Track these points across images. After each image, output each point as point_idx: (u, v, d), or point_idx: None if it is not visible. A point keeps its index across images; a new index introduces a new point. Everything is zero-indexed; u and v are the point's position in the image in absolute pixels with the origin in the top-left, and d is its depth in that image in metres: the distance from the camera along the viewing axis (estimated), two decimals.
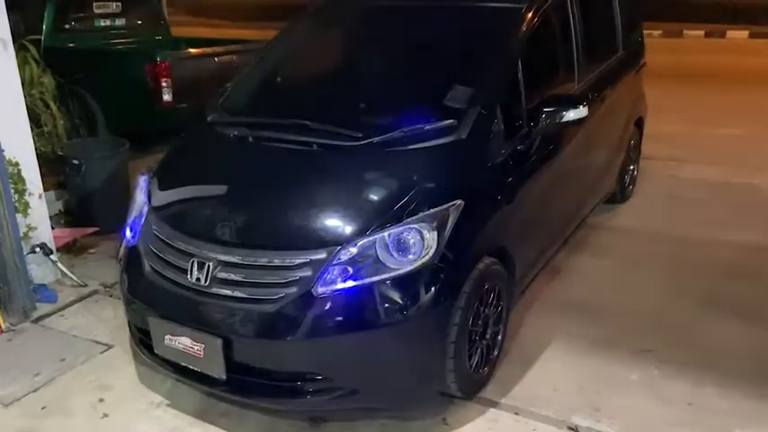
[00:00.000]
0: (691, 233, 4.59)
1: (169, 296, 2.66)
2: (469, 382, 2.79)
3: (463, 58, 3.17)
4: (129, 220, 3.00)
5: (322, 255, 2.46)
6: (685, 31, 15.25)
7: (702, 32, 15.12)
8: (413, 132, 2.79)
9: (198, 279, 2.57)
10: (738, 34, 14.91)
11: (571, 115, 3.09)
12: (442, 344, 2.56)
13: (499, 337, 3.01)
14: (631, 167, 5.19)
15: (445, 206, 2.57)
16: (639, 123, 5.21)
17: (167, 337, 2.63)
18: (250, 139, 3.00)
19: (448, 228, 2.54)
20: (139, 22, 7.56)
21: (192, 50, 6.72)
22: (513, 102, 3.06)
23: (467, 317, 2.64)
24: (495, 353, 2.99)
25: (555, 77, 3.47)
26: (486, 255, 2.76)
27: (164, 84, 6.15)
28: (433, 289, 2.48)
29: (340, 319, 2.44)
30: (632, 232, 4.67)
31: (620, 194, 5.05)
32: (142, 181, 3.08)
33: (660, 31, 14.52)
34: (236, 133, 3.09)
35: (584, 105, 3.09)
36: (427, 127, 2.81)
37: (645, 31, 5.36)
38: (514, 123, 3.03)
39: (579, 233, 4.43)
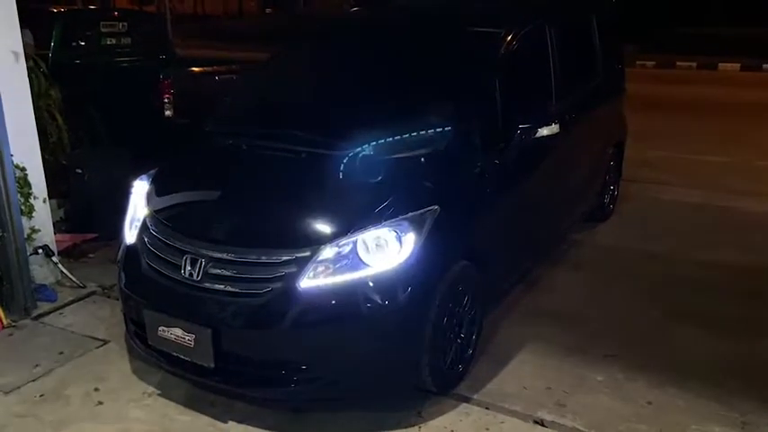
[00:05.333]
0: (666, 251, 4.80)
1: (163, 290, 2.86)
2: (444, 378, 2.97)
3: (445, 77, 3.42)
4: (128, 221, 3.20)
5: (306, 253, 2.66)
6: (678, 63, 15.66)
7: (695, 64, 15.50)
8: (394, 143, 3.01)
9: (190, 274, 2.77)
10: (730, 66, 15.28)
11: (544, 132, 3.32)
12: (418, 339, 2.75)
13: (474, 337, 3.19)
14: (611, 188, 5.41)
15: (422, 211, 2.78)
16: (620, 146, 5.44)
17: (161, 328, 2.82)
18: (244, 147, 3.23)
19: (424, 231, 2.74)
20: (144, 41, 7.83)
21: (194, 69, 6.97)
22: (490, 118, 3.28)
23: (441, 315, 2.84)
24: (470, 352, 3.17)
25: (532, 98, 3.70)
26: (460, 258, 2.97)
27: (166, 100, 6.39)
28: (408, 287, 2.68)
29: (322, 312, 2.63)
30: (610, 249, 4.87)
31: (600, 213, 5.26)
32: (140, 185, 3.29)
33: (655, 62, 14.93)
34: (231, 142, 3.31)
35: (555, 123, 3.32)
36: (408, 138, 3.03)
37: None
38: (491, 138, 3.25)
39: (559, 248, 4.65)
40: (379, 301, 2.64)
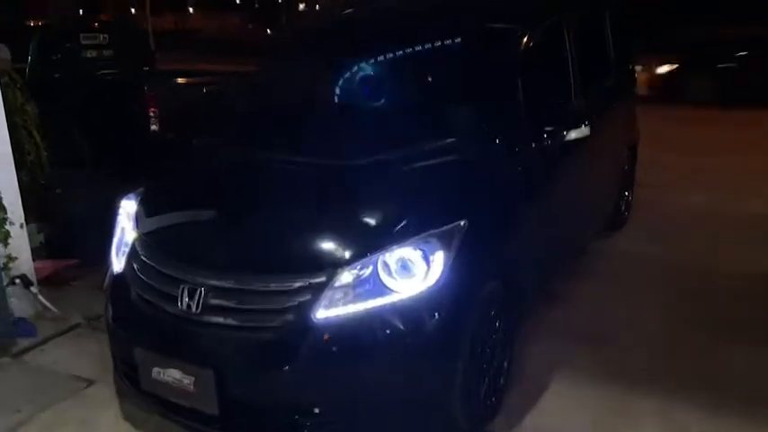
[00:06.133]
0: (689, 259, 4.52)
1: (157, 326, 2.51)
2: (477, 415, 2.65)
3: (463, 78, 3.10)
4: (114, 247, 2.86)
5: (321, 278, 2.33)
6: None
7: None
8: (413, 151, 2.70)
9: (189, 307, 2.42)
10: None
11: (573, 135, 3.02)
12: (450, 373, 2.42)
13: (505, 364, 2.88)
14: (626, 193, 5.14)
15: (450, 226, 2.46)
16: (633, 149, 5.17)
17: (155, 369, 2.46)
18: (243, 160, 2.89)
19: (453, 248, 2.42)
20: (127, 53, 7.51)
21: (179, 80, 6.66)
22: (513, 121, 2.98)
23: (475, 344, 2.52)
24: (502, 381, 2.85)
25: (553, 99, 3.41)
26: (491, 278, 2.65)
27: (151, 114, 6.09)
28: (439, 314, 2.35)
29: (342, 347, 2.30)
30: (630, 258, 4.57)
31: (615, 220, 4.97)
32: (127, 206, 2.95)
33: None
34: (228, 155, 2.98)
35: (585, 125, 3.02)
36: (426, 146, 2.72)
37: None
38: (515, 143, 2.95)
39: (578, 260, 4.35)
40: (407, 332, 2.31)
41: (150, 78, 6.78)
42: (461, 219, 2.49)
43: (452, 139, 2.73)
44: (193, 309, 2.41)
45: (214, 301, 2.40)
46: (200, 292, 2.41)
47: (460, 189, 2.66)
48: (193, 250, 2.57)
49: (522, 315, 3.12)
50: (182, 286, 2.45)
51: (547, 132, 2.98)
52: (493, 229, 2.70)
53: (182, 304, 2.44)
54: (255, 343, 2.35)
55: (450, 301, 2.38)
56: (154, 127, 6.06)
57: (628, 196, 5.19)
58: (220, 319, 2.39)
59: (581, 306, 3.83)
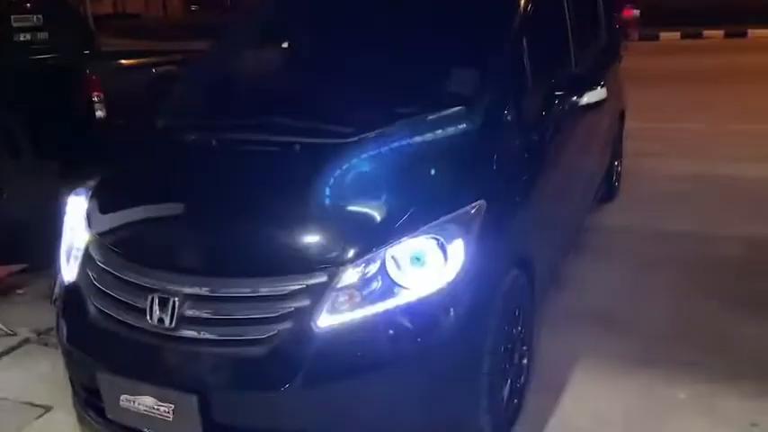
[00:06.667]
0: (687, 229, 4.30)
1: (123, 345, 2.08)
2: (502, 420, 2.31)
3: (464, 37, 2.70)
4: (63, 252, 2.40)
5: (321, 278, 1.94)
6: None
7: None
8: (415, 123, 2.31)
9: (161, 320, 2.01)
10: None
11: (586, 99, 2.68)
12: (476, 379, 2.07)
13: (525, 361, 2.55)
14: (616, 163, 4.88)
15: (467, 208, 2.09)
16: (622, 116, 4.90)
17: (123, 397, 2.05)
18: (214, 142, 2.46)
19: (472, 235, 2.06)
20: (64, 35, 6.86)
21: (124, 62, 6.09)
22: (522, 86, 2.62)
23: (498, 343, 2.17)
24: (522, 379, 2.53)
25: (555, 61, 3.06)
26: (511, 266, 2.30)
27: (95, 99, 5.55)
28: (462, 314, 1.99)
29: (350, 359, 1.92)
30: (628, 231, 4.33)
31: (606, 192, 4.70)
32: (76, 202, 2.49)
33: None
34: (197, 136, 2.54)
35: (602, 86, 2.69)
36: (431, 116, 2.34)
37: None
38: (526, 110, 2.59)
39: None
40: (427, 338, 1.95)
41: (91, 61, 6.18)
42: (479, 198, 2.13)
43: (459, 108, 2.35)
44: (166, 322, 2.00)
45: (191, 313, 2.00)
46: (174, 302, 2.00)
47: (474, 163, 2.28)
48: (162, 252, 2.14)
49: (537, 303, 2.80)
50: (150, 296, 2.04)
51: (560, 97, 2.64)
52: (511, 209, 2.35)
53: (152, 318, 2.02)
54: (245, 359, 1.95)
55: (473, 298, 2.03)
56: (100, 113, 5.52)
57: (617, 166, 4.93)
58: (200, 334, 1.99)
59: (588, 287, 3.53)
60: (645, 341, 2.97)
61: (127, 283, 2.12)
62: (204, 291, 2.00)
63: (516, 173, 2.44)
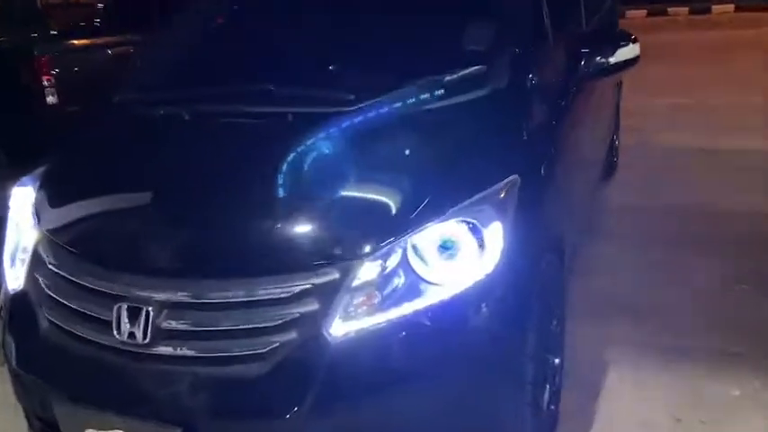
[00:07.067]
0: (694, 203, 4.02)
1: (85, 366, 1.69)
2: (542, 427, 1.98)
3: None
4: (8, 254, 1.98)
5: (332, 276, 1.57)
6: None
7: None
8: (430, 85, 1.94)
9: (131, 335, 1.61)
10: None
11: (618, 56, 2.34)
12: (521, 388, 1.73)
13: (558, 360, 2.22)
14: (614, 136, 4.58)
15: (500, 185, 1.73)
16: (620, 87, 4.60)
17: (88, 431, 1.65)
18: (187, 116, 2.04)
19: (509, 216, 1.71)
20: (9, 14, 6.31)
21: (76, 42, 5.59)
22: (544, 43, 2.27)
23: (541, 343, 1.83)
24: (557, 380, 2.20)
25: (570, 18, 2.72)
26: (547, 250, 1.96)
27: (45, 83, 5.08)
28: (506, 310, 1.65)
29: (371, 376, 1.56)
30: (633, 209, 4.03)
31: (606, 167, 4.40)
32: (22, 193, 2.06)
33: None
34: (162, 112, 2.12)
35: (634, 41, 2.35)
36: (448, 77, 1.97)
37: None
38: (550, 70, 2.24)
39: None
40: (465, 342, 1.60)
41: (40, 42, 5.65)
42: (512, 173, 1.78)
43: (479, 66, 1.98)
44: (138, 337, 1.61)
45: (169, 324, 1.61)
46: (147, 311, 1.61)
47: (503, 132, 1.92)
48: (129, 250, 1.74)
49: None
50: (117, 305, 1.64)
51: (587, 55, 2.29)
52: (544, 185, 2.00)
53: (120, 332, 1.63)
54: (240, 381, 1.57)
55: (516, 292, 1.68)
56: (51, 98, 5.06)
57: (615, 139, 4.63)
58: (181, 350, 1.60)
59: (603, 271, 3.22)
60: (671, 330, 2.68)
61: (86, 290, 1.72)
62: (184, 297, 1.61)
63: (547, 143, 2.09)
